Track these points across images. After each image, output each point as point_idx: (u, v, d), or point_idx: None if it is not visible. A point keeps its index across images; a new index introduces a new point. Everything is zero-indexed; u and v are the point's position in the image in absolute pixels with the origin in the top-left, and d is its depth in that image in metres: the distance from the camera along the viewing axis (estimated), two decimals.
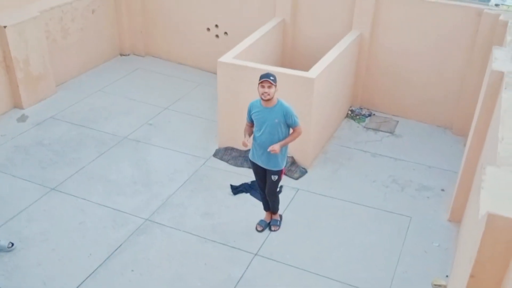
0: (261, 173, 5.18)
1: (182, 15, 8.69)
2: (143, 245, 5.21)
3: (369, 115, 7.60)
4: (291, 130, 4.97)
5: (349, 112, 7.63)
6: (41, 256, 5.00)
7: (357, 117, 7.55)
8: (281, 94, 6.10)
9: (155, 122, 7.40)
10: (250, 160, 5.20)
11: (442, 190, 6.12)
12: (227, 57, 6.38)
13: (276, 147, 4.80)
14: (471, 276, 2.75)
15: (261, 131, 4.91)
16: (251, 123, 5.03)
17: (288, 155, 6.35)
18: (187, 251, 5.16)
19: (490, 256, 2.67)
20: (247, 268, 4.97)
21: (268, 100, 4.78)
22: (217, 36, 8.54)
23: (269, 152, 4.83)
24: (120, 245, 5.15)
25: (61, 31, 8.08)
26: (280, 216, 5.54)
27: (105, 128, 7.17)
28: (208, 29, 8.58)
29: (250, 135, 5.07)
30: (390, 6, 7.04)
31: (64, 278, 4.78)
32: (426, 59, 7.09)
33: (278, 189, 5.32)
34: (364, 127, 7.37)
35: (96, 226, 5.41)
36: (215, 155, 6.65)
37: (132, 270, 4.90)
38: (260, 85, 4.74)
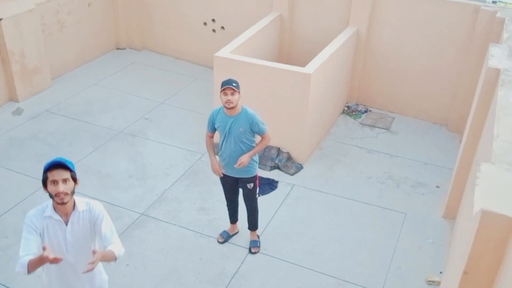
0: (232, 184, 4.90)
1: (179, 9, 8.65)
2: (138, 239, 5.21)
3: (365, 111, 7.61)
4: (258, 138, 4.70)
5: (345, 108, 7.64)
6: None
7: (353, 113, 7.56)
8: (278, 90, 6.12)
9: (151, 116, 7.38)
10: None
11: (437, 186, 6.14)
12: (224, 52, 6.37)
13: (244, 160, 4.52)
14: (465, 272, 2.77)
15: (227, 141, 4.62)
16: (212, 133, 4.75)
17: (284, 151, 6.38)
18: (182, 246, 5.16)
19: (484, 253, 2.68)
20: (242, 263, 4.98)
21: (232, 108, 4.49)
22: (214, 30, 8.51)
23: (238, 161, 4.54)
24: None
25: (57, 24, 8.04)
26: (258, 236, 5.20)
27: (100, 122, 7.14)
28: (205, 24, 8.55)
29: (213, 149, 4.78)
30: (387, 2, 7.03)
31: None
32: (423, 55, 7.10)
33: (257, 197, 5.01)
34: (360, 123, 7.37)
35: None
36: None
37: (127, 265, 4.90)
38: (222, 92, 4.44)
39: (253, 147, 4.66)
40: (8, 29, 7.03)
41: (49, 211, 3.14)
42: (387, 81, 7.48)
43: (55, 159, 3.07)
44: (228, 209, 5.18)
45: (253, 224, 5.14)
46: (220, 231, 5.30)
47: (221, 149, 4.72)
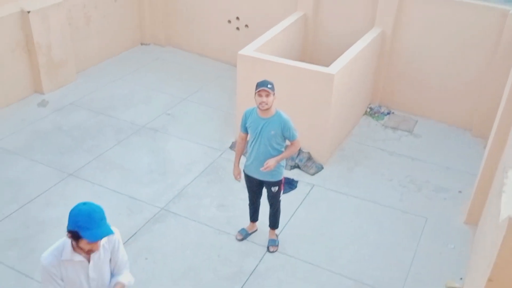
0: (256, 186, 4.90)
1: (204, 6, 8.68)
2: (158, 234, 5.25)
3: (388, 113, 7.53)
4: (287, 142, 4.65)
5: (368, 110, 7.57)
6: (56, 241, 5.05)
7: (376, 115, 7.49)
8: (301, 89, 6.10)
9: (173, 112, 7.43)
10: (244, 173, 4.87)
11: (460, 192, 6.05)
12: (248, 50, 6.36)
13: (271, 164, 4.47)
14: (489, 280, 2.72)
15: (256, 142, 4.58)
16: (245, 134, 4.72)
17: (305, 151, 6.36)
18: (201, 242, 5.18)
19: (510, 260, 2.63)
20: (260, 261, 4.98)
21: (266, 110, 4.46)
22: (237, 28, 8.52)
23: (264, 164, 4.49)
24: (135, 232, 5.19)
25: (84, 18, 8.14)
26: (277, 235, 5.19)
27: (123, 116, 7.21)
28: (229, 21, 8.56)
29: (241, 154, 4.79)
30: (414, 4, 6.94)
31: None
32: (448, 58, 7.00)
33: (281, 199, 4.99)
34: (383, 125, 7.31)
35: (112, 213, 5.40)
36: (231, 147, 6.65)
37: (146, 258, 4.94)
38: (257, 94, 4.39)
39: (282, 152, 4.61)
40: (35, 22, 7.15)
41: (68, 254, 2.92)
42: (411, 83, 7.39)
43: (89, 208, 2.86)
44: (250, 208, 5.19)
45: (273, 223, 5.14)
46: (239, 228, 5.31)
47: (248, 150, 4.71)
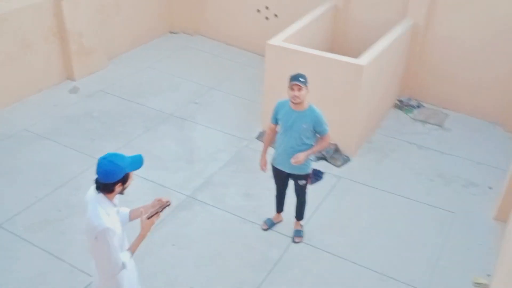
0: (282, 177, 4.89)
1: None
2: (184, 221, 5.31)
3: (418, 107, 7.41)
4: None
5: (397, 102, 7.47)
6: None
7: (405, 107, 7.39)
8: (329, 80, 6.05)
9: (201, 101, 7.47)
10: (272, 165, 4.86)
11: (490, 187, 5.94)
12: (276, 40, 6.34)
13: (300, 158, 4.45)
14: None
15: (286, 135, 4.56)
16: (275, 125, 4.69)
17: (332, 142, 6.32)
18: (227, 230, 5.23)
19: None
20: (284, 252, 5.00)
21: (299, 103, 4.44)
22: (266, 18, 8.49)
23: (294, 158, 4.47)
24: (163, 219, 5.26)
25: (115, 6, 8.23)
26: (302, 226, 5.19)
27: (152, 104, 7.29)
28: (258, 11, 8.53)
29: (270, 144, 4.79)
30: None
31: None
32: (481, 51, 6.84)
33: (307, 193, 5.00)
34: (412, 118, 7.20)
35: (139, 199, 5.49)
36: (258, 137, 6.66)
37: (173, 244, 5.01)
38: (289, 87, 4.37)
39: (310, 146, 4.58)
40: (68, 10, 7.26)
41: (111, 209, 3.14)
42: (442, 76, 7.26)
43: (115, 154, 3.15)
44: (276, 199, 5.19)
45: (299, 215, 5.14)
46: (264, 218, 5.33)
47: (277, 142, 4.70)
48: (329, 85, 6.06)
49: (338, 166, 6.19)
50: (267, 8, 8.41)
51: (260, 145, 6.48)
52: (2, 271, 4.62)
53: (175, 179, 5.88)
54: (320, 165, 6.19)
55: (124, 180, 3.09)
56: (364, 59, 5.91)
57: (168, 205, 3.31)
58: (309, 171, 4.78)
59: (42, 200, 5.47)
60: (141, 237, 3.24)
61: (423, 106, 7.43)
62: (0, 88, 6.86)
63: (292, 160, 4.49)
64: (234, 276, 4.71)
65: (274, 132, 4.76)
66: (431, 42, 7.13)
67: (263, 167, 4.87)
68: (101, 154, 3.62)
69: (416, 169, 6.20)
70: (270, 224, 5.26)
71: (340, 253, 5.00)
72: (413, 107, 7.40)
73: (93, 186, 3.17)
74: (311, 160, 4.74)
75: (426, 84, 7.42)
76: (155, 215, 3.21)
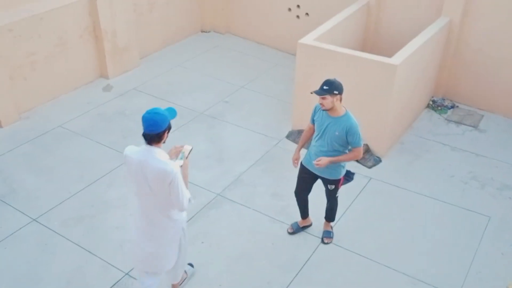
0: (307, 179, 4.80)
1: None
2: (214, 219, 5.34)
3: (452, 107, 7.25)
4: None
5: (431, 103, 7.32)
6: (118, 220, 5.27)
7: (439, 108, 7.24)
8: (361, 80, 5.97)
9: (231, 99, 7.49)
10: (301, 164, 4.79)
11: None
12: (308, 39, 6.30)
13: (323, 162, 4.36)
14: None
15: (320, 138, 4.50)
16: (313, 125, 4.64)
17: (363, 143, 6.23)
18: (256, 229, 5.23)
19: None
20: (313, 252, 4.97)
21: (326, 110, 4.35)
22: (298, 16, 8.45)
23: (317, 160, 4.42)
24: (192, 216, 5.31)
25: (148, 5, 8.33)
26: (331, 227, 5.16)
27: (183, 103, 7.36)
28: (289, 9, 8.50)
29: (304, 144, 4.74)
30: None
31: None
32: None
33: (338, 196, 4.92)
34: (446, 119, 7.05)
35: None
36: (288, 137, 6.64)
37: (202, 242, 5.04)
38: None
39: (343, 154, 4.50)
40: (102, 9, 7.39)
41: (165, 154, 3.62)
42: (478, 76, 7.08)
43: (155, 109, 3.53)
44: (298, 205, 5.11)
45: (330, 217, 5.10)
46: (293, 218, 5.31)
47: (312, 142, 4.68)
48: (361, 85, 5.98)
49: (368, 167, 6.12)
50: (298, 6, 8.38)
51: (289, 144, 6.47)
52: (41, 265, 4.75)
53: (204, 177, 5.92)
54: (350, 166, 6.09)
55: (169, 127, 3.55)
56: (397, 59, 5.82)
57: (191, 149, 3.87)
58: (340, 177, 4.70)
59: (75, 195, 5.60)
60: (186, 177, 3.72)
61: (458, 107, 7.27)
62: (37, 86, 7.04)
63: (315, 162, 4.45)
64: (262, 276, 4.71)
65: (312, 130, 4.72)
66: (466, 41, 6.96)
67: (294, 161, 4.80)
68: None
69: (449, 171, 6.07)
70: (296, 229, 5.20)
71: (370, 255, 4.94)
72: (447, 107, 7.24)
73: (132, 146, 3.72)
74: (342, 166, 4.66)
75: (460, 84, 7.25)
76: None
